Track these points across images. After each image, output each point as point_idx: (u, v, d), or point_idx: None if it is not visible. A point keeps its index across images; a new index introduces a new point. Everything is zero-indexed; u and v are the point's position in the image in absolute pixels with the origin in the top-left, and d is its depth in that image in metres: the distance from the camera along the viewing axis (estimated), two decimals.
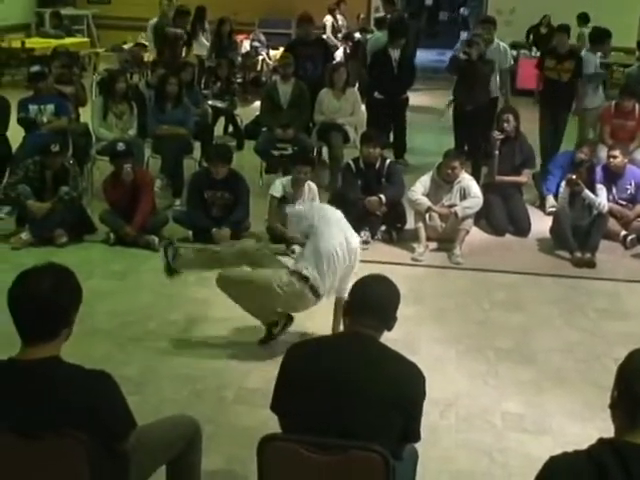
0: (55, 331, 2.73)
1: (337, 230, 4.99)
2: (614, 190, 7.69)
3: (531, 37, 16.10)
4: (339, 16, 15.97)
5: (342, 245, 4.94)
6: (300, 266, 4.96)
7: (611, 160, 7.66)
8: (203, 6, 12.82)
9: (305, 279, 4.90)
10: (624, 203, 7.71)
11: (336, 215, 5.13)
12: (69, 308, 2.76)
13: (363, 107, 9.72)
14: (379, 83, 9.85)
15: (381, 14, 12.95)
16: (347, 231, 5.07)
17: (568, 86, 9.30)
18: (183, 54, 11.27)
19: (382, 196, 7.23)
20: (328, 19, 15.64)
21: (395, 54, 9.81)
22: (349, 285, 4.82)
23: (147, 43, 12.40)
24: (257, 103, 10.64)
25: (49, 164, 7.01)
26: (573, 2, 15.07)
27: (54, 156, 6.98)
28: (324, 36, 14.37)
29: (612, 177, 7.69)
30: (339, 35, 15.52)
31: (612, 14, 15.70)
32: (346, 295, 4.81)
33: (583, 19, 14.60)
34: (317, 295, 4.97)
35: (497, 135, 7.87)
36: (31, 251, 6.74)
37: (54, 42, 14.24)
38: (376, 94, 9.91)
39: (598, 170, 7.60)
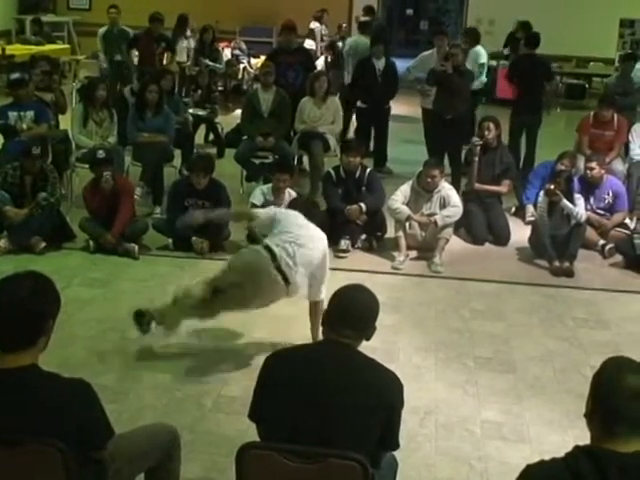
0: (33, 339, 2.71)
1: (298, 223, 4.98)
2: (592, 200, 7.73)
3: (508, 47, 16.10)
4: (321, 25, 16.01)
5: (304, 235, 4.90)
6: (268, 241, 4.90)
7: (588, 172, 7.71)
8: (185, 14, 12.83)
9: (270, 251, 4.77)
10: (602, 212, 7.76)
11: (297, 216, 5.09)
12: (47, 316, 2.75)
13: None
14: (363, 92, 9.89)
15: (366, 19, 12.94)
16: (311, 229, 5.02)
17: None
18: (165, 61, 11.26)
19: (362, 204, 7.25)
20: (316, 25, 15.67)
21: (379, 64, 9.87)
22: (322, 290, 4.87)
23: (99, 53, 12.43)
24: (238, 111, 10.63)
25: (29, 167, 6.96)
26: (553, 12, 15.20)
27: (35, 159, 6.93)
28: (309, 42, 14.41)
29: (590, 187, 7.74)
30: (321, 44, 15.57)
31: (592, 24, 15.89)
32: (318, 299, 4.88)
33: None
34: (286, 281, 4.77)
35: (476, 141, 7.91)
36: (9, 258, 6.69)
37: (34, 49, 14.18)
38: (359, 103, 9.94)
39: (576, 180, 7.64)
